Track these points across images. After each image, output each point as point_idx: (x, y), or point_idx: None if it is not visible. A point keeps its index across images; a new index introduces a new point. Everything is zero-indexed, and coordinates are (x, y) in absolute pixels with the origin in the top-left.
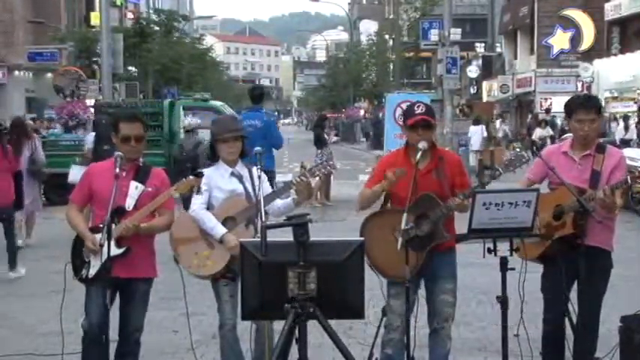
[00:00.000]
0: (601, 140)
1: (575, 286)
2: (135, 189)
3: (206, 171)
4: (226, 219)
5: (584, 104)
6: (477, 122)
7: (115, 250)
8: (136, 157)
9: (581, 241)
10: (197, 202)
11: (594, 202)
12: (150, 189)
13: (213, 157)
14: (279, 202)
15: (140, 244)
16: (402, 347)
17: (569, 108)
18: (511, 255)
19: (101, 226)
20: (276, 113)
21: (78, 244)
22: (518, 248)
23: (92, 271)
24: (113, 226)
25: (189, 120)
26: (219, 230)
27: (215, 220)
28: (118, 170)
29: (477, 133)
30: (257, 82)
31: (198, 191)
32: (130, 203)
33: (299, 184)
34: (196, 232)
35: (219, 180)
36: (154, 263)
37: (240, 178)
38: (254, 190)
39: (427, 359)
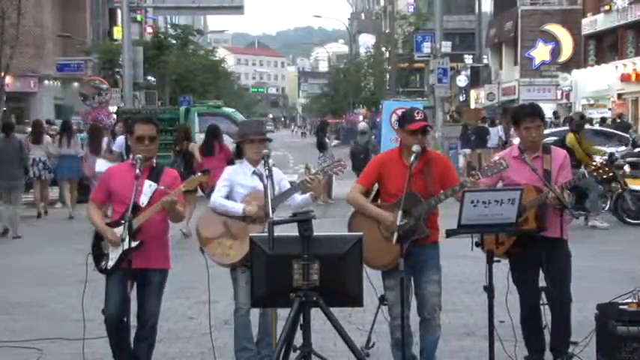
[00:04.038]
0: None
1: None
2: (149, 187)
3: (230, 168)
4: None
5: (530, 113)
6: (493, 124)
7: (132, 244)
8: (149, 157)
9: (543, 234)
10: (216, 195)
11: (551, 199)
12: (162, 187)
13: (238, 156)
14: (298, 198)
15: (154, 238)
16: (409, 331)
17: (516, 118)
18: (472, 249)
19: (122, 222)
20: (282, 119)
21: (97, 238)
22: (504, 242)
23: (110, 263)
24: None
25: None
26: (239, 207)
27: (232, 202)
28: (138, 171)
29: (495, 134)
30: (265, 91)
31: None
32: (144, 200)
33: (313, 181)
34: (220, 225)
35: (241, 177)
36: (167, 256)
37: (260, 177)
38: (272, 187)
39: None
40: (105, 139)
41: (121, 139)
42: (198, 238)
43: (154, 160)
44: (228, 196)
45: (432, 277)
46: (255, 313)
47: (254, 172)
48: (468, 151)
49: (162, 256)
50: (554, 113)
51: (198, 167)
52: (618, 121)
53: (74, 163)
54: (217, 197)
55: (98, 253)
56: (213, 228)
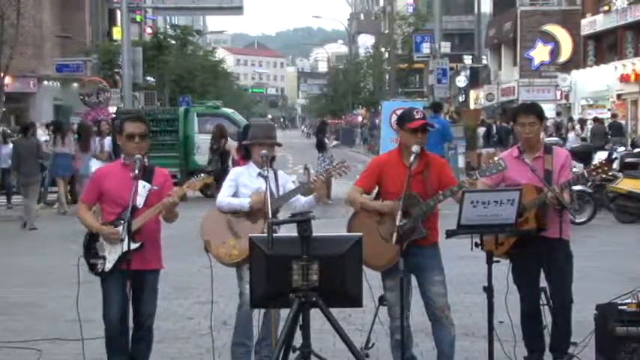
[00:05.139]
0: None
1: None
2: (143, 188)
3: (236, 169)
4: (250, 212)
5: (523, 109)
6: (483, 123)
7: (133, 245)
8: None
9: (543, 234)
10: (222, 194)
11: (552, 199)
12: (156, 187)
13: (246, 156)
14: (302, 200)
15: (151, 239)
16: (409, 332)
17: (513, 114)
18: (472, 249)
19: (118, 223)
20: (282, 120)
21: (91, 240)
22: (503, 242)
23: (108, 265)
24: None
25: None
26: (246, 202)
27: (238, 199)
28: (137, 172)
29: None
30: (265, 91)
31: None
32: (140, 201)
33: (316, 182)
34: (224, 224)
35: (246, 179)
36: (160, 256)
37: (265, 179)
38: (277, 189)
39: (423, 341)
40: (97, 139)
41: (109, 140)
42: (202, 238)
43: (146, 160)
44: (234, 197)
45: (435, 278)
46: (256, 313)
47: (259, 174)
48: (491, 150)
49: (156, 257)
50: (558, 114)
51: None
52: (611, 121)
53: (67, 161)
54: (224, 196)
55: (93, 255)
56: (216, 228)
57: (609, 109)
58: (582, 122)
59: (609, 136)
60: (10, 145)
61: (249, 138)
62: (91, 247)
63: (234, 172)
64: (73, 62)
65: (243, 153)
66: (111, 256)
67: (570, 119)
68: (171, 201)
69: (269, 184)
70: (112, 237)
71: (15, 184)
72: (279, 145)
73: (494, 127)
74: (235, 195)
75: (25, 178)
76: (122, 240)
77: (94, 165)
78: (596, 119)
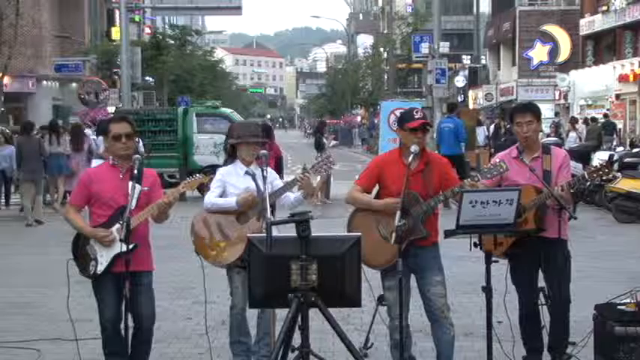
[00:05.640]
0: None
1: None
2: (134, 189)
3: (223, 169)
4: (240, 213)
5: (519, 109)
6: (479, 124)
7: (129, 246)
8: (128, 155)
9: (542, 234)
10: (210, 195)
11: (551, 199)
12: (145, 188)
13: (232, 156)
14: (291, 197)
15: (142, 240)
16: (409, 332)
17: (511, 115)
18: (471, 249)
19: (111, 224)
20: (281, 120)
21: (80, 243)
22: (502, 242)
23: (100, 268)
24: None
25: None
26: (232, 201)
27: (224, 198)
28: (136, 172)
29: (481, 133)
30: (264, 91)
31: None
32: (132, 203)
33: (303, 180)
34: (214, 227)
35: (234, 178)
36: (152, 257)
37: (253, 176)
38: (264, 187)
39: (422, 341)
40: (100, 139)
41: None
42: (193, 240)
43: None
44: (222, 197)
45: (435, 278)
46: (252, 312)
47: (246, 172)
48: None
49: (148, 258)
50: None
51: None
52: (604, 120)
53: (62, 160)
54: (210, 197)
55: (83, 257)
56: (206, 230)
57: (608, 110)
58: (574, 121)
59: (603, 136)
60: (11, 146)
61: (235, 137)
62: (80, 249)
63: (221, 172)
64: (72, 62)
65: (230, 152)
66: (103, 258)
67: (572, 119)
68: (166, 202)
69: (264, 182)
70: (106, 240)
71: (16, 182)
72: (266, 142)
73: (502, 127)
74: (223, 195)
75: (29, 176)
76: (121, 240)
77: (95, 164)
78: (593, 119)
